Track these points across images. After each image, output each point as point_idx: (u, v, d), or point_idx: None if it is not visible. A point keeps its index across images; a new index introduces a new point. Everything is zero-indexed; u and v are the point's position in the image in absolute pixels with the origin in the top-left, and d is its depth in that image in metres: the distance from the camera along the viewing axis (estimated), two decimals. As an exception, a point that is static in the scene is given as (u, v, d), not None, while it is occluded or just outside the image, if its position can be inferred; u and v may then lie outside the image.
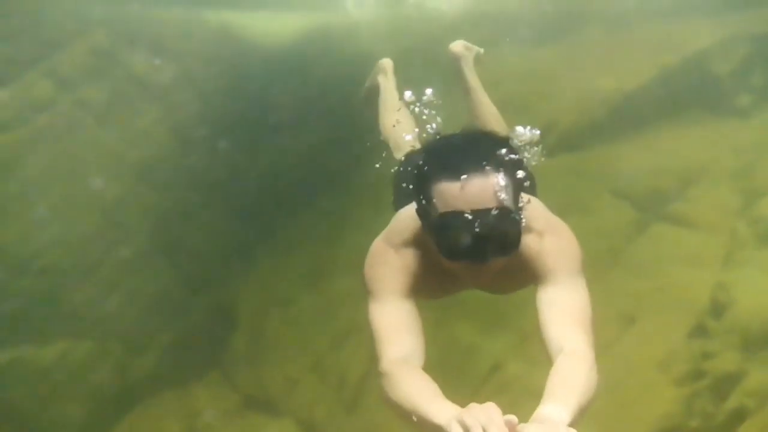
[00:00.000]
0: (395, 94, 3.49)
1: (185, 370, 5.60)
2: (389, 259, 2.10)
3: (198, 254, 5.58)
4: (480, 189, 1.93)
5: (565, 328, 1.91)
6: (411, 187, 2.10)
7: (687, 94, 5.69)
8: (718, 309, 4.26)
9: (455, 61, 3.60)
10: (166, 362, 5.59)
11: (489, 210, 1.93)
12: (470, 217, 1.93)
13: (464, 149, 2.01)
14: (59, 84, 6.17)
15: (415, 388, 1.78)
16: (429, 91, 3.35)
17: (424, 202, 2.02)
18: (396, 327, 1.98)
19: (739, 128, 5.45)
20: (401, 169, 2.95)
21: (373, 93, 3.67)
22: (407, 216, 2.14)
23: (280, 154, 5.70)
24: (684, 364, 4.14)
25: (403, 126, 3.18)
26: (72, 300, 5.44)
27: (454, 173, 1.95)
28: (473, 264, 1.98)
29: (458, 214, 1.94)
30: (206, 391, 5.53)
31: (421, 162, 2.07)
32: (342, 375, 4.62)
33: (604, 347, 4.38)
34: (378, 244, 2.17)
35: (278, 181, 5.65)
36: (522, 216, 2.01)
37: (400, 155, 3.07)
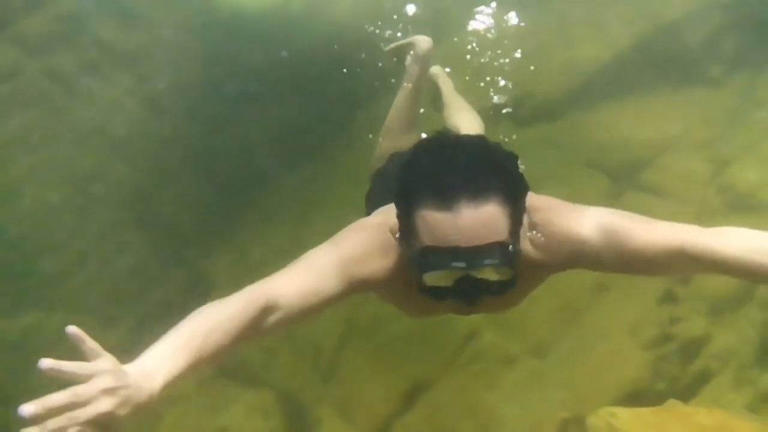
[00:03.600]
0: (419, 100, 3.25)
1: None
2: (376, 239, 1.77)
3: (172, 226, 5.52)
4: (474, 221, 1.52)
5: (655, 242, 1.69)
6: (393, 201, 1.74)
7: (660, 64, 5.72)
8: (686, 276, 4.36)
9: (433, 78, 3.54)
10: (140, 334, 5.56)
11: (484, 248, 1.53)
12: (461, 256, 1.53)
13: (457, 164, 1.55)
14: (25, 52, 6.01)
15: (204, 328, 1.60)
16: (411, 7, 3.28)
17: (405, 226, 1.63)
18: (307, 286, 1.72)
19: (710, 97, 5.50)
20: (379, 176, 2.74)
21: (402, 62, 3.47)
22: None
23: (256, 124, 5.63)
24: (653, 329, 4.26)
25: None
26: (43, 272, 5.36)
27: (444, 200, 1.53)
28: (459, 304, 1.69)
29: (445, 252, 1.53)
30: (183, 362, 5.52)
31: (403, 172, 1.65)
32: (318, 345, 4.65)
33: (575, 314, 4.46)
34: (377, 220, 1.85)
35: (254, 152, 5.59)
36: (519, 244, 1.62)
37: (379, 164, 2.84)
